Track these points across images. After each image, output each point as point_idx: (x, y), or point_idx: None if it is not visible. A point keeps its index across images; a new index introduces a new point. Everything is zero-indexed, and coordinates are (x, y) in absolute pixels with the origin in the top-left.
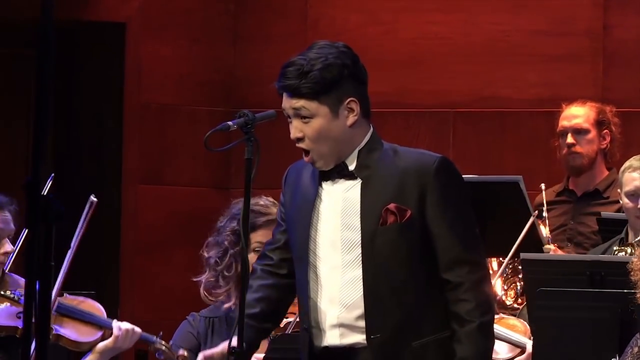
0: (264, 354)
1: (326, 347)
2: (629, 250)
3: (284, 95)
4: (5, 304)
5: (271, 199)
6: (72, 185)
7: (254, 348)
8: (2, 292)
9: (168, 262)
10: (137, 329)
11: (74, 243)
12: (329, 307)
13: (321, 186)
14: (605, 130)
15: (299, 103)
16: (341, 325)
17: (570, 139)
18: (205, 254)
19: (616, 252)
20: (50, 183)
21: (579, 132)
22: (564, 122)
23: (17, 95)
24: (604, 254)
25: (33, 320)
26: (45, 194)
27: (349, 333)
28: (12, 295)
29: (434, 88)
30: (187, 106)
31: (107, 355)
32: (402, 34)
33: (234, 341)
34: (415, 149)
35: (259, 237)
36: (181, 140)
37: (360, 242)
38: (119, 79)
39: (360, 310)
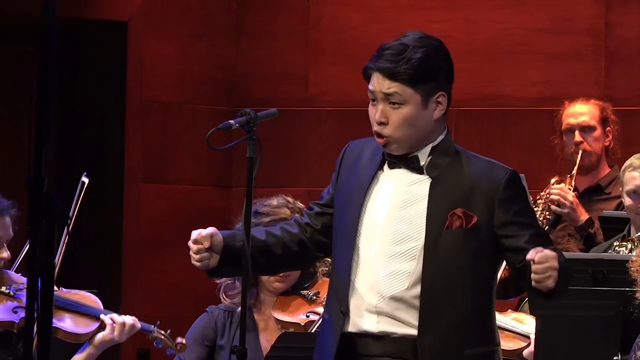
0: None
1: (361, 332)
2: (629, 246)
3: (376, 76)
4: (1, 301)
5: (289, 199)
6: (75, 184)
7: (235, 262)
8: None
9: (170, 260)
10: (132, 321)
11: (69, 224)
12: (368, 293)
13: (382, 170)
14: (609, 128)
15: (393, 87)
16: (379, 313)
17: (578, 136)
18: None
19: (616, 247)
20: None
21: (586, 129)
22: (570, 120)
23: (19, 93)
24: (605, 252)
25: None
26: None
27: (386, 322)
28: (7, 291)
29: None
30: (189, 104)
31: (103, 347)
32: (404, 32)
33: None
34: (487, 158)
35: None
36: (183, 139)
37: (415, 238)
38: (121, 77)
39: (400, 304)
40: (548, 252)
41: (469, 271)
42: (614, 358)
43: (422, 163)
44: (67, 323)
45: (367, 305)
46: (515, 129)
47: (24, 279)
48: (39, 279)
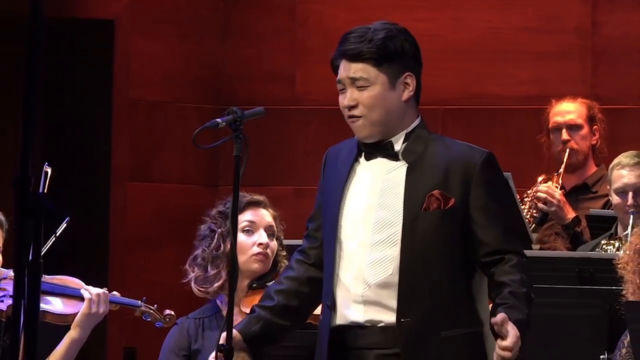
0: None
1: (349, 324)
2: (616, 244)
3: (342, 62)
4: None
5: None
6: (61, 183)
7: (266, 341)
8: None
9: (157, 259)
10: (102, 290)
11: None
12: (353, 283)
13: (358, 162)
14: (596, 127)
15: (358, 69)
16: (365, 302)
17: (565, 135)
18: (187, 265)
19: (604, 246)
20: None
21: (573, 128)
22: (557, 118)
23: (6, 92)
24: (592, 251)
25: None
26: (43, 191)
27: (373, 311)
28: None
29: (423, 85)
30: (176, 103)
31: (86, 326)
32: None
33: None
34: (463, 142)
35: (246, 217)
36: (170, 137)
37: (395, 223)
38: (107, 76)
39: (386, 290)
40: (512, 341)
41: (447, 253)
42: (601, 357)
43: (397, 149)
44: (53, 305)
45: (353, 295)
46: (502, 128)
47: (4, 270)
48: (26, 277)
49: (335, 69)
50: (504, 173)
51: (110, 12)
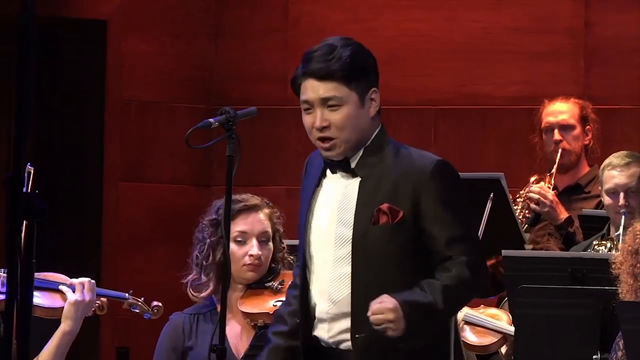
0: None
1: (316, 341)
2: (608, 245)
3: (309, 83)
4: None
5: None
6: (54, 183)
7: None
8: None
9: (149, 259)
10: (87, 279)
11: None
12: (319, 300)
13: (325, 176)
14: (588, 127)
15: (329, 89)
16: (330, 320)
17: (557, 135)
18: (190, 262)
19: (596, 246)
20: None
21: (565, 128)
22: (549, 118)
23: (2, 92)
24: (585, 251)
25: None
26: (27, 191)
27: (337, 328)
28: None
29: (415, 85)
30: (168, 103)
31: (75, 317)
32: (383, 32)
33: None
34: (417, 150)
35: (238, 226)
36: (162, 137)
37: (351, 239)
38: (100, 76)
39: (347, 307)
40: (385, 305)
41: (400, 265)
42: (594, 357)
43: (352, 165)
44: (42, 300)
45: (319, 313)
46: (494, 128)
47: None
48: (18, 277)
49: (297, 88)
50: (496, 173)
51: (102, 13)
